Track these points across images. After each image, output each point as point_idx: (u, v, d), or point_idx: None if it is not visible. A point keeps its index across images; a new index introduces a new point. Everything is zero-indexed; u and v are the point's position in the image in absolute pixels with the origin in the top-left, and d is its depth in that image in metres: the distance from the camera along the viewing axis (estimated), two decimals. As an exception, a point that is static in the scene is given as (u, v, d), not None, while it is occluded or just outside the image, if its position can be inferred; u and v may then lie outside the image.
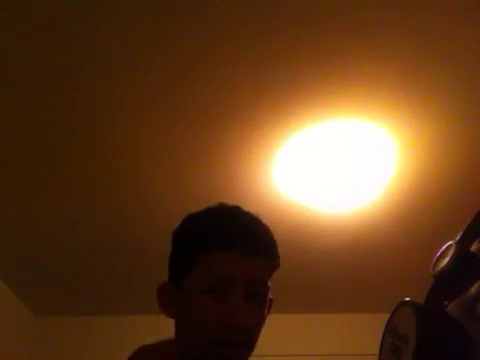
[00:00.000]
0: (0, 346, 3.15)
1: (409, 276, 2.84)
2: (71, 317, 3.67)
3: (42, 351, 3.54)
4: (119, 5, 1.81)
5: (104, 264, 3.15)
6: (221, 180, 2.56)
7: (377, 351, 0.78)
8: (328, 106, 2.21)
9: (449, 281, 0.73)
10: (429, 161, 2.48)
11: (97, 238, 2.96)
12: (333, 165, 2.51)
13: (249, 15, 1.86)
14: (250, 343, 1.06)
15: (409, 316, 0.70)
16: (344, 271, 3.20)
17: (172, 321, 1.12)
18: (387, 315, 0.77)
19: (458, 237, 0.77)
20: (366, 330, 2.84)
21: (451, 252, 0.74)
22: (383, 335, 0.77)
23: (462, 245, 0.75)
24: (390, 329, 0.75)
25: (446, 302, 0.73)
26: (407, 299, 0.74)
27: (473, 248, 0.75)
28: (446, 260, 0.74)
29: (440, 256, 0.76)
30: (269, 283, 1.09)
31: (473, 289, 0.69)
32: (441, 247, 0.77)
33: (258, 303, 1.07)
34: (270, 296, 1.12)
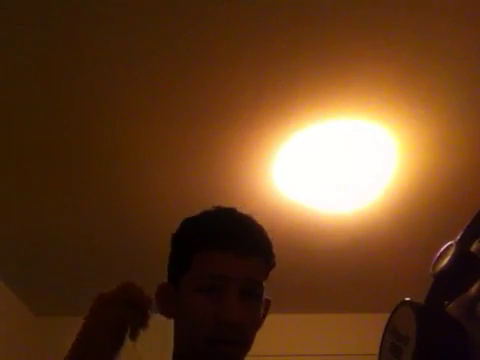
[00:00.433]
0: (0, 346, 3.15)
1: (409, 276, 2.83)
2: (71, 317, 3.65)
3: (42, 351, 3.53)
4: (119, 5, 1.81)
5: (104, 264, 3.15)
6: (221, 180, 2.56)
7: (377, 351, 0.78)
8: (328, 106, 2.21)
9: (449, 281, 0.73)
10: (429, 161, 2.48)
11: (97, 238, 2.96)
12: (333, 165, 2.51)
13: (249, 15, 1.86)
14: (245, 342, 1.08)
15: (409, 316, 0.70)
16: (344, 271, 3.20)
17: (170, 321, 1.13)
18: (387, 315, 0.77)
19: (458, 237, 0.77)
20: (366, 330, 2.84)
21: (451, 252, 0.74)
22: (383, 335, 0.77)
23: (462, 245, 0.75)
24: (390, 329, 0.75)
25: (446, 302, 0.73)
26: (407, 299, 0.74)
27: (473, 248, 0.75)
28: (446, 260, 0.74)
29: (440, 256, 0.76)
30: (264, 283, 1.10)
31: (473, 289, 0.69)
32: (441, 247, 0.77)
33: (253, 302, 1.08)
34: (268, 297, 1.13)
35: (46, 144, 2.36)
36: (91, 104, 2.19)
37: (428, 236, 2.78)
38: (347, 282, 3.30)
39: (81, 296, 3.82)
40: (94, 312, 1.15)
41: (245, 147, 2.39)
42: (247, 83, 2.11)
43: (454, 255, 0.73)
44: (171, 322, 1.13)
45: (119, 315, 1.12)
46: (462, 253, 0.74)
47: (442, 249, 0.76)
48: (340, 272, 3.21)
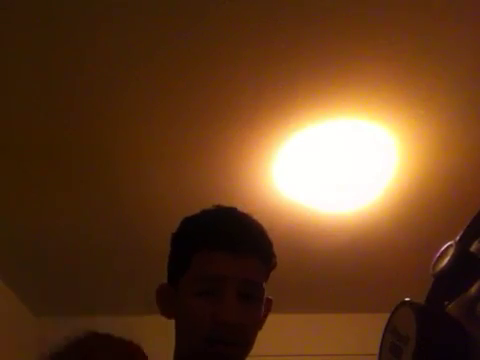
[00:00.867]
0: (0, 346, 3.15)
1: (409, 276, 2.83)
2: (71, 317, 3.67)
3: (42, 351, 3.53)
4: (119, 5, 1.81)
5: (104, 264, 3.14)
6: (221, 180, 2.56)
7: (377, 351, 0.78)
8: (328, 106, 2.21)
9: (449, 281, 0.73)
10: (429, 161, 2.48)
11: (97, 238, 2.96)
12: (333, 165, 2.51)
13: (249, 15, 1.86)
14: (245, 343, 1.07)
15: (409, 316, 0.70)
16: (344, 271, 3.20)
17: (172, 321, 1.12)
18: (387, 315, 0.77)
19: (458, 237, 0.77)
20: (366, 330, 2.84)
21: (451, 252, 0.74)
22: (383, 335, 0.77)
23: (462, 245, 0.75)
24: (390, 329, 0.75)
25: (446, 302, 0.73)
26: (407, 299, 0.74)
27: (473, 248, 0.75)
28: (446, 260, 0.74)
29: (440, 256, 0.76)
30: (264, 284, 1.10)
31: (473, 289, 0.69)
32: (441, 247, 0.77)
33: (252, 303, 1.07)
34: (269, 296, 1.13)
35: (46, 144, 2.36)
36: (91, 104, 2.19)
37: (428, 236, 2.78)
38: (347, 282, 3.30)
39: (81, 296, 3.85)
40: None
41: (245, 147, 2.39)
42: (247, 83, 2.11)
43: (454, 255, 0.73)
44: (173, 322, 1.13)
45: None
46: (462, 253, 0.74)
47: (442, 249, 0.76)
48: (340, 272, 3.21)
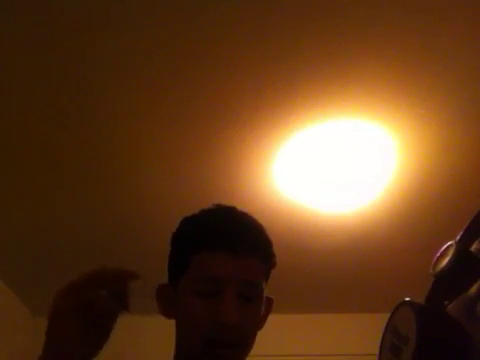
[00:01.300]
0: None
1: (409, 276, 2.83)
2: (71, 317, 3.66)
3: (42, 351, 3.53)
4: (119, 5, 1.81)
5: (104, 264, 3.14)
6: (221, 180, 2.56)
7: (377, 351, 0.78)
8: (328, 106, 2.21)
9: (449, 281, 0.74)
10: (429, 161, 2.48)
11: (97, 238, 2.96)
12: (333, 165, 2.51)
13: (249, 15, 1.86)
14: (245, 344, 1.06)
15: (409, 316, 0.70)
16: (344, 271, 3.20)
17: (172, 321, 1.12)
18: (387, 315, 0.77)
19: (458, 237, 0.77)
20: (366, 330, 2.84)
21: (451, 252, 0.74)
22: (383, 335, 0.77)
23: (462, 245, 0.75)
24: (390, 329, 0.75)
25: (446, 302, 0.73)
26: (407, 299, 0.74)
27: (473, 248, 0.75)
28: (446, 260, 0.74)
29: (440, 256, 0.76)
30: (264, 284, 1.09)
31: (473, 289, 0.70)
32: (441, 247, 0.77)
33: (252, 304, 1.06)
34: (270, 296, 1.12)
35: (45, 144, 2.36)
36: (91, 104, 2.19)
37: (428, 236, 2.77)
38: (347, 282, 3.30)
39: (81, 296, 3.79)
40: (58, 298, 1.00)
41: (245, 147, 2.39)
42: (247, 83, 2.11)
43: (454, 255, 0.73)
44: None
45: (87, 298, 0.98)
46: (462, 253, 0.74)
47: (442, 249, 0.77)
48: (340, 272, 3.20)
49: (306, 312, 3.65)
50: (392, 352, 0.73)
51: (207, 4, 1.82)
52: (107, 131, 2.32)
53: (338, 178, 2.57)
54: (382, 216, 2.79)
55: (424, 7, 1.84)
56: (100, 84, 2.10)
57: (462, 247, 0.74)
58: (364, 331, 3.24)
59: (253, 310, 1.07)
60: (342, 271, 3.20)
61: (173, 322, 1.12)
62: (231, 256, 1.04)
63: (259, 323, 1.10)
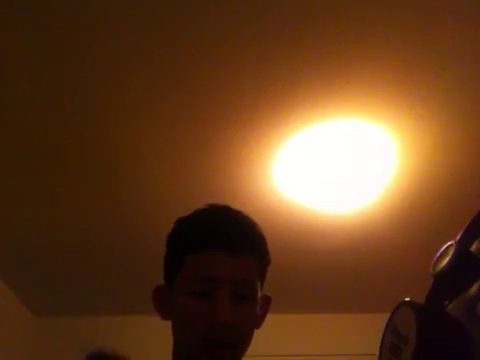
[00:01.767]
0: (0, 347, 3.15)
1: (409, 276, 2.83)
2: (71, 317, 3.67)
3: (42, 351, 3.54)
4: (119, 5, 1.81)
5: (104, 264, 3.15)
6: (221, 180, 2.56)
7: (377, 351, 0.78)
8: (328, 106, 2.21)
9: (449, 281, 0.74)
10: (429, 161, 2.48)
11: (97, 238, 2.96)
12: (333, 165, 2.51)
13: (249, 15, 1.86)
14: (240, 343, 1.06)
15: (409, 316, 0.70)
16: (344, 271, 3.20)
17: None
18: (387, 315, 0.77)
19: (458, 237, 0.77)
20: (366, 330, 2.84)
21: (451, 252, 0.74)
22: (383, 335, 0.77)
23: (462, 245, 0.75)
24: (390, 329, 0.75)
25: (446, 302, 0.73)
26: (407, 299, 0.74)
27: (473, 248, 0.75)
28: (446, 260, 0.74)
29: (440, 256, 0.76)
30: (258, 282, 1.09)
31: (473, 289, 0.70)
32: (441, 247, 0.77)
33: (247, 303, 1.06)
34: (267, 294, 1.12)
35: (46, 144, 2.36)
36: (91, 104, 2.19)
37: (428, 236, 2.78)
38: (347, 282, 3.30)
39: (81, 296, 3.85)
40: None
41: (245, 147, 2.39)
42: (247, 83, 2.11)
43: (454, 255, 0.73)
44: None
45: None
46: (462, 253, 0.74)
47: (442, 249, 0.77)
48: (340, 272, 3.21)
49: (306, 312, 3.65)
50: (392, 352, 0.73)
51: (207, 4, 1.82)
52: (107, 131, 2.32)
53: (338, 178, 2.57)
54: (382, 216, 2.79)
55: (424, 7, 1.84)
56: (100, 84, 2.10)
57: (462, 247, 0.74)
58: (364, 331, 3.24)
59: (249, 308, 1.06)
60: (342, 271, 3.20)
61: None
62: (225, 256, 1.04)
63: (256, 321, 1.09)
